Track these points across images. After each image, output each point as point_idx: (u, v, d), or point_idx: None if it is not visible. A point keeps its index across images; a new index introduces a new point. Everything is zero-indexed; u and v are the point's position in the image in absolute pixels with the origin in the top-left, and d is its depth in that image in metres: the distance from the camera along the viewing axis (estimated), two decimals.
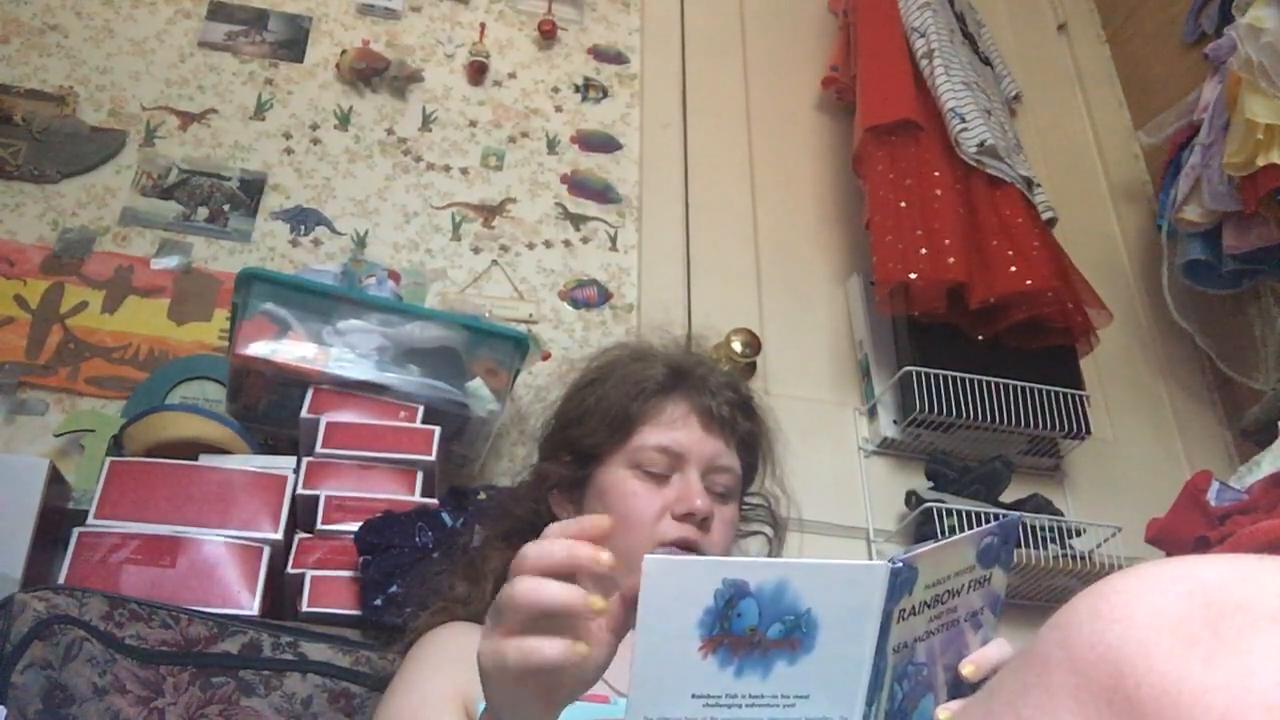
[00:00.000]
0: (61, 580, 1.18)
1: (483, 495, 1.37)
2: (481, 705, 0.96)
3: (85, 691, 1.05)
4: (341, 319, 1.44)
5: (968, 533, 0.67)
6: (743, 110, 2.23)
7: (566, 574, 0.65)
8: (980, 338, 1.83)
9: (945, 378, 1.75)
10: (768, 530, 1.24)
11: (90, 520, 1.23)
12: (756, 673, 0.61)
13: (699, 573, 0.60)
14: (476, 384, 1.49)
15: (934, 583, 0.64)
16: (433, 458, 1.38)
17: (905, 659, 0.64)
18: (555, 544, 0.65)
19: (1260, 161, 1.65)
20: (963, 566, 0.66)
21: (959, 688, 0.68)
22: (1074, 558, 1.66)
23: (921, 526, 1.69)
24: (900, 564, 0.60)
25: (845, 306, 2.02)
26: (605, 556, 0.64)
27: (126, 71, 1.95)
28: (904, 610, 0.62)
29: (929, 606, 0.64)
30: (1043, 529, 1.66)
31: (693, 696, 0.61)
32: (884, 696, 0.63)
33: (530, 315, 1.85)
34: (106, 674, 1.07)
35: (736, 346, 1.77)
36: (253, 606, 1.21)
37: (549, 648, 0.63)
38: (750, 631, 0.60)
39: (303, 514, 1.33)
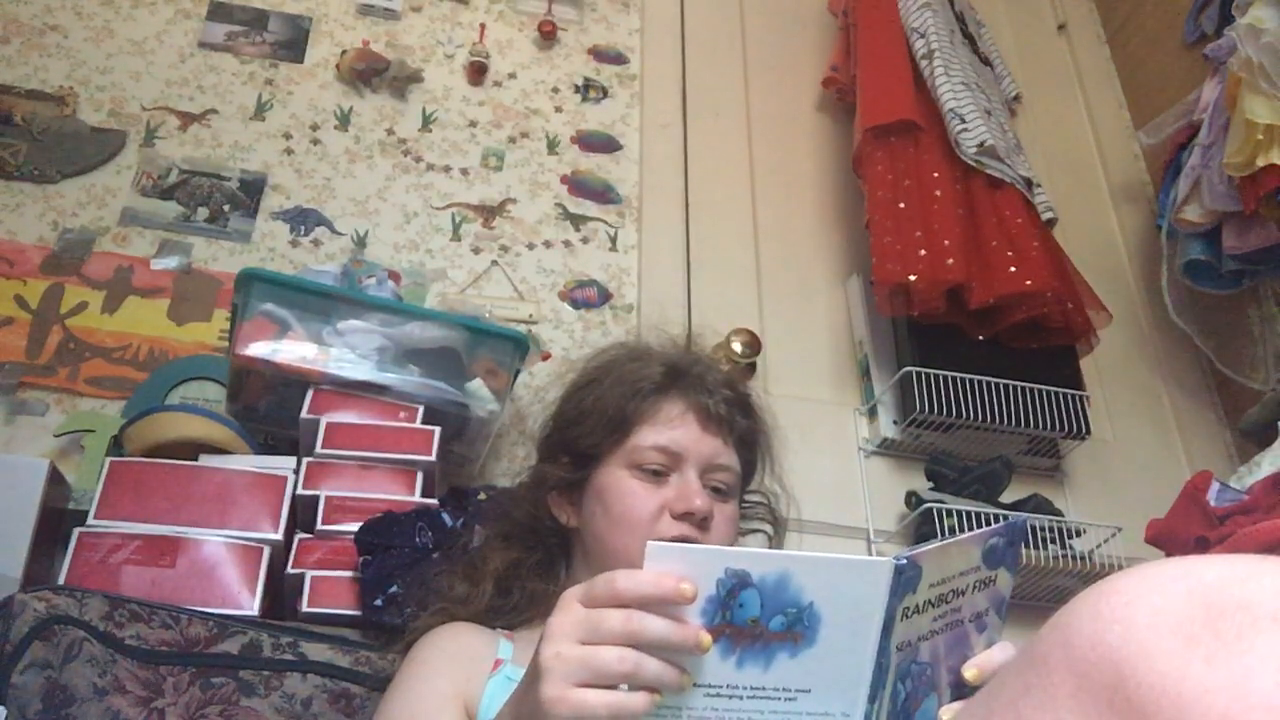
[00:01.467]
0: (61, 580, 1.18)
1: (483, 495, 1.37)
2: (483, 706, 0.96)
3: (85, 692, 1.05)
4: (341, 319, 1.44)
5: (973, 533, 0.67)
6: (743, 110, 2.23)
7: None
8: (980, 338, 1.83)
9: (945, 378, 1.75)
10: (768, 528, 1.24)
11: (90, 520, 1.23)
12: (758, 664, 0.61)
13: (701, 561, 0.60)
14: (476, 384, 1.49)
15: (938, 582, 0.64)
16: (433, 458, 1.38)
17: (909, 657, 0.64)
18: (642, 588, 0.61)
19: (1260, 162, 1.65)
20: (967, 567, 0.66)
21: (963, 689, 0.68)
22: (1074, 558, 1.66)
23: (921, 527, 1.69)
24: (904, 561, 0.60)
25: (845, 306, 2.02)
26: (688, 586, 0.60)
27: (126, 71, 1.95)
28: (908, 608, 0.62)
29: (933, 605, 0.64)
30: (1043, 529, 1.66)
31: (694, 685, 0.61)
32: (886, 694, 0.63)
33: (530, 315, 1.85)
34: (106, 674, 1.07)
35: (736, 347, 1.77)
36: (253, 607, 1.21)
37: (637, 701, 0.60)
38: (752, 623, 0.60)
39: (303, 514, 1.33)
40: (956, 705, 0.67)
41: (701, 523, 1.03)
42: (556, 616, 0.63)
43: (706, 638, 0.59)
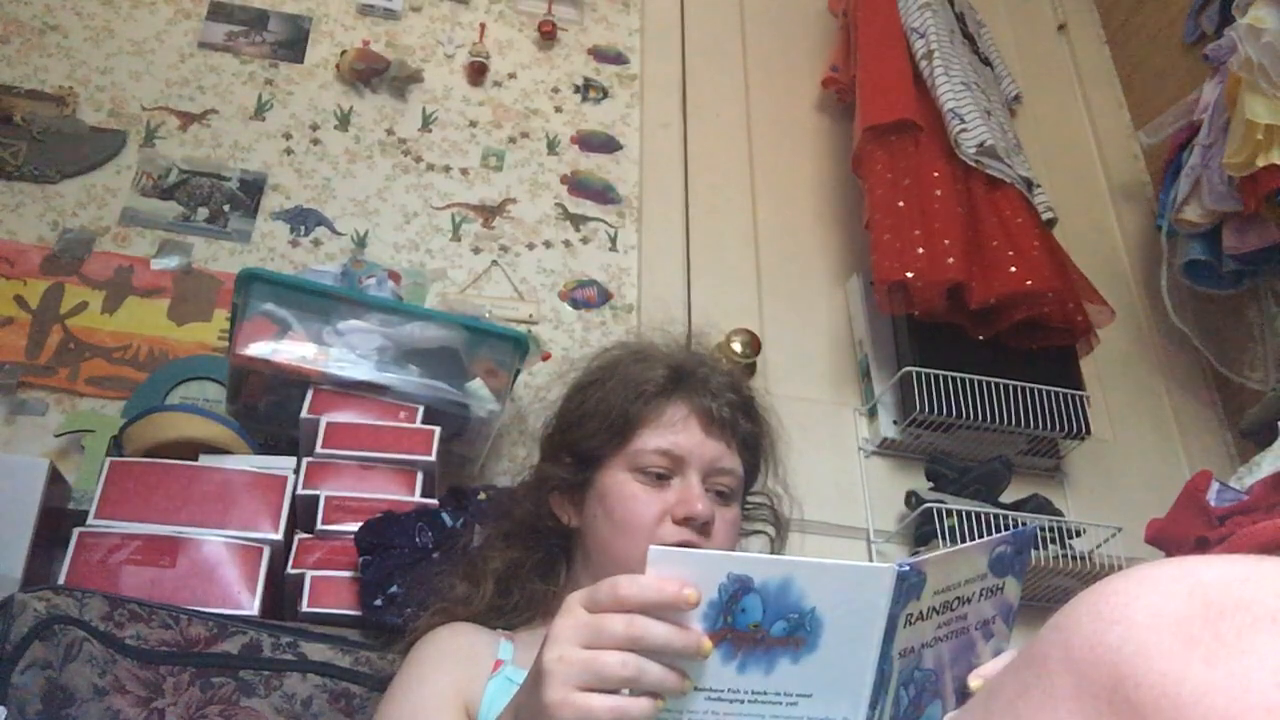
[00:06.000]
0: (61, 580, 1.18)
1: (483, 495, 1.37)
2: (483, 707, 0.96)
3: (85, 692, 1.05)
4: (341, 319, 1.44)
5: (980, 540, 0.67)
6: (743, 110, 2.23)
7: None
8: (980, 338, 1.83)
9: (945, 378, 1.75)
10: (770, 530, 1.23)
11: (90, 520, 1.23)
12: (759, 669, 0.61)
13: (704, 566, 0.60)
14: (476, 384, 1.49)
15: (943, 589, 0.63)
16: (433, 458, 1.38)
17: (912, 664, 0.64)
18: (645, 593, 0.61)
19: (1260, 162, 1.65)
20: (974, 574, 0.66)
21: (968, 698, 0.67)
22: (1074, 558, 1.66)
23: (921, 527, 1.69)
24: (907, 568, 0.60)
25: (845, 306, 2.02)
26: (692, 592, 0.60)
27: (126, 71, 1.95)
28: (911, 615, 0.62)
29: (938, 612, 0.64)
30: (1043, 529, 1.66)
31: (695, 689, 0.61)
32: (889, 700, 0.62)
33: (530, 315, 1.85)
34: (106, 674, 1.07)
35: (736, 346, 1.77)
36: (253, 607, 1.21)
37: (640, 705, 0.61)
38: (754, 628, 0.60)
39: (303, 514, 1.33)
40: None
41: (703, 528, 1.03)
42: (560, 620, 0.63)
43: (708, 643, 0.59)
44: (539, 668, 0.63)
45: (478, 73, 2.12)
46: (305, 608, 1.23)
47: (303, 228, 1.85)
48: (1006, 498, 1.74)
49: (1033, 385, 1.78)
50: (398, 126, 2.03)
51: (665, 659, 0.60)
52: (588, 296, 1.92)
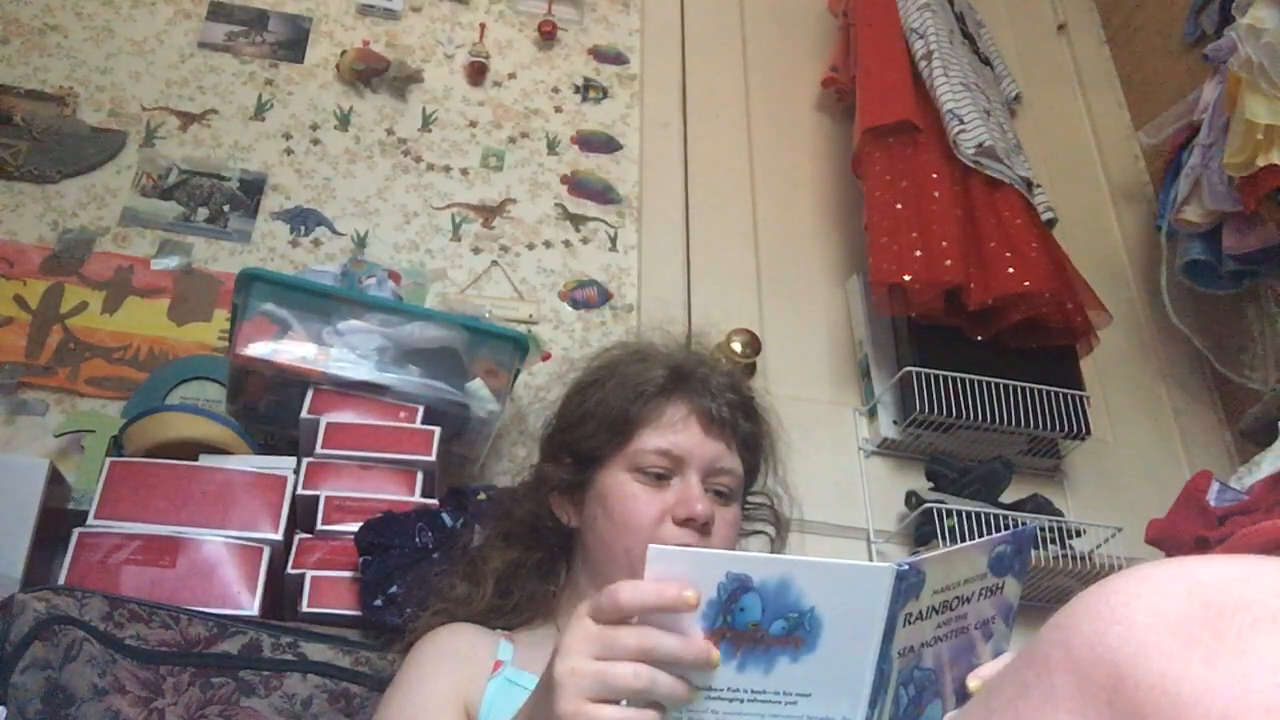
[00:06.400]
0: (61, 580, 1.18)
1: (483, 495, 1.37)
2: (483, 707, 0.96)
3: (85, 692, 1.05)
4: (341, 319, 1.44)
5: (979, 540, 0.67)
6: (743, 110, 2.23)
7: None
8: (979, 338, 1.83)
9: (945, 378, 1.75)
10: (770, 530, 1.23)
11: (90, 520, 1.23)
12: (759, 668, 0.61)
13: (703, 564, 0.60)
14: (476, 384, 1.49)
15: (942, 588, 0.64)
16: (433, 458, 1.38)
17: (911, 663, 0.64)
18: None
19: (1260, 162, 1.65)
20: (973, 574, 0.66)
21: (968, 698, 0.68)
22: (1074, 558, 1.66)
23: (921, 527, 1.69)
24: (906, 567, 0.60)
25: (845, 307, 2.02)
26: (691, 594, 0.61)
27: (126, 71, 1.95)
28: (910, 614, 0.62)
29: (937, 612, 0.64)
30: (1043, 529, 1.66)
31: (694, 688, 0.61)
32: (889, 699, 0.62)
33: (530, 316, 1.85)
34: (106, 674, 1.07)
35: (736, 346, 1.77)
36: (253, 607, 1.21)
37: (648, 716, 0.61)
38: (753, 627, 0.60)
39: (303, 514, 1.33)
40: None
41: (703, 528, 1.03)
42: (570, 632, 0.64)
43: (716, 654, 0.60)
44: (551, 679, 0.63)
45: (478, 73, 2.12)
46: (305, 608, 1.23)
47: (303, 228, 1.85)
48: (1006, 498, 1.74)
49: (1033, 385, 1.78)
50: (398, 126, 2.03)
51: (672, 668, 0.60)
52: (588, 296, 1.92)
